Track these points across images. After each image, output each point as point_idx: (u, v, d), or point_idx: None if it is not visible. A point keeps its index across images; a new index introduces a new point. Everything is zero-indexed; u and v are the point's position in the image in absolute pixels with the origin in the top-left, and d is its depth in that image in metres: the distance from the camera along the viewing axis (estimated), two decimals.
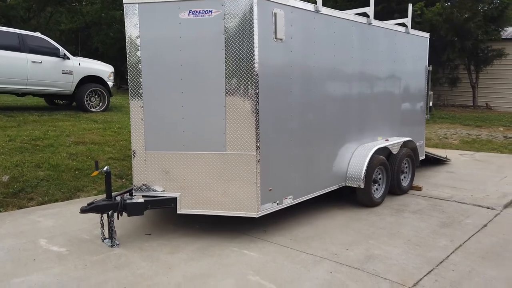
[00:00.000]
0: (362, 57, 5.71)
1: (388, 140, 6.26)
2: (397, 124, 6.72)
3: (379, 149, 5.80)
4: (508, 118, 15.46)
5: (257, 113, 4.17)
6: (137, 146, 4.41)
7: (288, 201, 4.68)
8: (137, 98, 4.34)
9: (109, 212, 4.17)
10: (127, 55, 4.29)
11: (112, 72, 12.11)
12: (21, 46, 10.29)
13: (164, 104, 4.33)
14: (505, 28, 17.73)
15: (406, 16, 6.80)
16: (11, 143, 7.73)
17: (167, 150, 4.37)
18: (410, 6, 6.96)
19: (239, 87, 4.15)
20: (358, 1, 18.16)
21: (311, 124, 4.93)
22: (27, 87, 10.41)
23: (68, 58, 10.97)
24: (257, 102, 4.16)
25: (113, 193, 4.43)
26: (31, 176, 6.61)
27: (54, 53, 10.77)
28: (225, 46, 4.12)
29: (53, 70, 10.73)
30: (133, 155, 4.44)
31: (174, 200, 4.39)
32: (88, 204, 4.15)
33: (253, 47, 4.07)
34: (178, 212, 4.41)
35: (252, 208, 4.29)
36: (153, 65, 4.28)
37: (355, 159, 5.60)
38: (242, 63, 4.11)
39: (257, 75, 4.12)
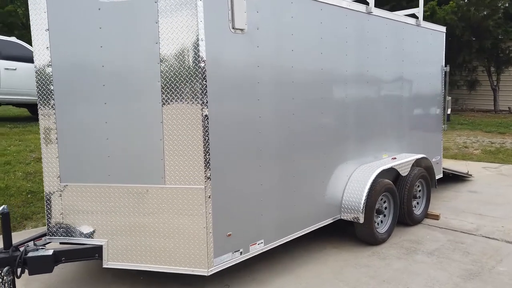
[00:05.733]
0: (360, 56, 4.51)
1: (395, 158, 5.02)
2: (407, 138, 5.47)
3: (383, 171, 4.57)
4: None
5: (206, 130, 3.01)
6: (49, 177, 3.28)
7: (258, 248, 3.49)
8: (48, 111, 3.22)
9: (4, 269, 3.04)
10: (34, 55, 3.18)
11: None
12: None
13: (83, 120, 3.20)
14: None
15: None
16: None
17: (88, 182, 3.23)
18: None
19: (180, 95, 2.99)
20: None
21: (290, 143, 3.75)
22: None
23: None
24: (206, 116, 3.00)
25: (24, 239, 3.33)
26: None
27: (31, 58, 9.82)
28: (160, 39, 2.98)
29: (30, 78, 9.78)
30: (45, 188, 3.31)
31: (99, 249, 3.24)
32: None
33: (198, 40, 2.91)
34: (105, 266, 3.26)
35: (202, 262, 3.11)
36: (66, 67, 3.15)
37: (352, 184, 4.38)
38: (183, 62, 2.96)
39: (204, 78, 2.96)
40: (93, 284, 3.67)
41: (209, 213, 3.06)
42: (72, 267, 3.95)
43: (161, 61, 2.98)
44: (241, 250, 3.34)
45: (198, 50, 2.92)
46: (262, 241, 3.52)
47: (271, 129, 3.56)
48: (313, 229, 4.08)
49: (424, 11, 10.05)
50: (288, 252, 4.23)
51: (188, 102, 2.98)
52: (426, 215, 5.38)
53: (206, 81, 2.97)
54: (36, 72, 3.20)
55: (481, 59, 16.39)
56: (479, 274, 3.82)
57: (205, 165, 3.02)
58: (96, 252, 3.24)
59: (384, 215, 4.70)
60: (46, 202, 3.32)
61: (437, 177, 6.21)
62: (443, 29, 6.17)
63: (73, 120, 3.21)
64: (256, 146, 3.44)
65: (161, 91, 3.02)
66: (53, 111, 3.20)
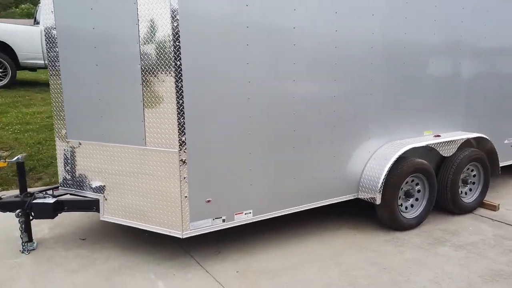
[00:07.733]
0: (394, 16, 3.94)
1: (439, 136, 4.37)
2: (466, 114, 4.69)
3: (415, 148, 4.02)
4: None
5: (180, 92, 2.95)
6: (58, 133, 3.60)
7: (244, 217, 3.39)
8: (55, 73, 3.49)
9: (17, 211, 3.46)
10: (41, 19, 3.44)
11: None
12: None
13: (81, 81, 3.39)
14: None
15: None
16: (47, 120, 7.72)
17: (87, 140, 3.46)
18: None
19: (154, 53, 2.98)
20: None
21: (288, 113, 3.48)
22: None
23: None
24: (179, 76, 2.94)
25: (45, 187, 3.74)
26: (47, 155, 6.41)
27: None
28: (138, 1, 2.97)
29: None
30: (56, 143, 3.64)
31: (96, 203, 3.48)
32: None
33: None
34: (101, 218, 3.50)
35: (177, 225, 3.14)
36: (66, 29, 3.35)
37: (374, 161, 3.95)
38: (157, 21, 2.92)
39: (177, 39, 2.88)
40: (105, 234, 3.97)
41: (184, 177, 3.05)
42: (93, 218, 4.32)
43: (138, 21, 2.99)
44: (223, 217, 3.28)
45: (170, 3, 2.84)
46: (251, 211, 3.40)
47: (266, 93, 3.35)
48: (319, 205, 3.81)
49: None
50: (296, 227, 4.04)
51: (161, 62, 2.95)
52: (480, 204, 4.64)
53: (179, 37, 2.89)
54: (45, 35, 3.46)
55: None
56: (508, 277, 3.19)
57: (179, 129, 2.99)
58: (93, 205, 3.50)
59: (417, 199, 4.17)
60: (58, 156, 3.66)
61: (505, 164, 5.26)
62: None
63: (75, 81, 3.42)
64: (245, 112, 3.27)
65: (140, 52, 3.04)
66: (59, 72, 3.45)
